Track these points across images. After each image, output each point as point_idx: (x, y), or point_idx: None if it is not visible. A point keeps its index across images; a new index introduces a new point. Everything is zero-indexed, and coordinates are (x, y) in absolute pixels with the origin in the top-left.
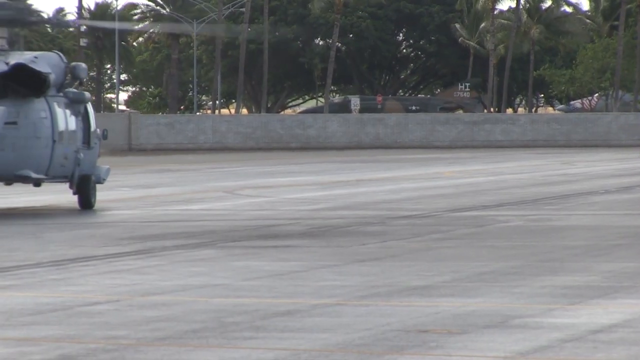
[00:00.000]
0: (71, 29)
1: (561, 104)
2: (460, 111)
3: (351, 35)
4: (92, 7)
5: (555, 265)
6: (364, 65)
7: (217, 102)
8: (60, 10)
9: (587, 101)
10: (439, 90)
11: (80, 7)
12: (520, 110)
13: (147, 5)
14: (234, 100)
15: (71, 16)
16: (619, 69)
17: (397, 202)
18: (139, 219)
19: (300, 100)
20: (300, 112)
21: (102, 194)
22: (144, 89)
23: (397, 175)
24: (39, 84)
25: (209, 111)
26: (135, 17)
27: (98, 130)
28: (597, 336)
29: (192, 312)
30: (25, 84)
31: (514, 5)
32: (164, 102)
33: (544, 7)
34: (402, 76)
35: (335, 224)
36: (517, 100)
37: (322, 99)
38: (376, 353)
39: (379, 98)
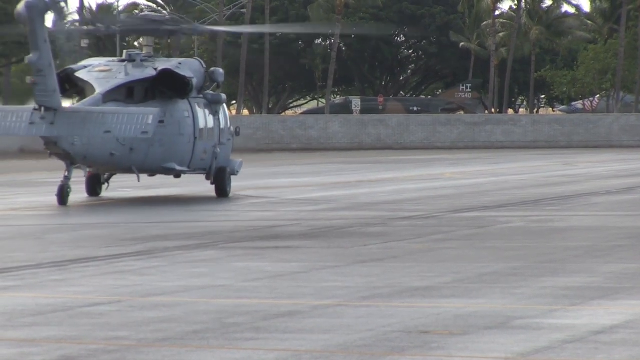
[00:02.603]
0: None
1: (562, 105)
2: (462, 112)
3: (352, 36)
4: (94, 7)
5: (556, 266)
6: (365, 66)
7: None
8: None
9: (589, 102)
10: (440, 91)
11: (81, 7)
12: (522, 111)
13: (149, 6)
14: (234, 101)
15: (70, 17)
16: (620, 70)
17: (398, 203)
18: (140, 220)
19: (302, 101)
20: (301, 113)
21: (104, 194)
22: None
23: (398, 176)
24: (183, 87)
25: None
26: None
27: (231, 127)
28: (598, 337)
29: (193, 313)
30: (171, 87)
31: (514, 6)
32: None
33: (544, 8)
34: (403, 77)
35: (337, 225)
36: (519, 101)
37: (323, 100)
38: (377, 354)
39: (380, 99)
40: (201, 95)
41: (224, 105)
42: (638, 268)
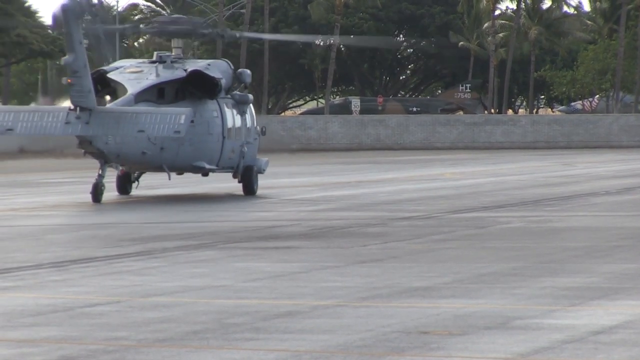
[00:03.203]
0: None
1: (561, 105)
2: (461, 112)
3: (352, 36)
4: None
5: (555, 266)
6: (365, 66)
7: None
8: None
9: (588, 102)
10: (439, 91)
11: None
12: (521, 111)
13: (148, 7)
14: None
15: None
16: (619, 70)
17: (397, 204)
18: (139, 220)
19: (301, 102)
20: (301, 114)
21: (104, 194)
22: None
23: (397, 176)
24: (212, 88)
25: None
26: (136, 17)
27: (257, 127)
28: (597, 337)
29: (193, 313)
30: (201, 87)
31: (513, 6)
32: None
33: (543, 8)
34: (403, 77)
35: (336, 225)
36: (518, 101)
37: (322, 100)
38: (377, 354)
39: (380, 99)
40: (229, 96)
41: (251, 105)
42: (638, 268)
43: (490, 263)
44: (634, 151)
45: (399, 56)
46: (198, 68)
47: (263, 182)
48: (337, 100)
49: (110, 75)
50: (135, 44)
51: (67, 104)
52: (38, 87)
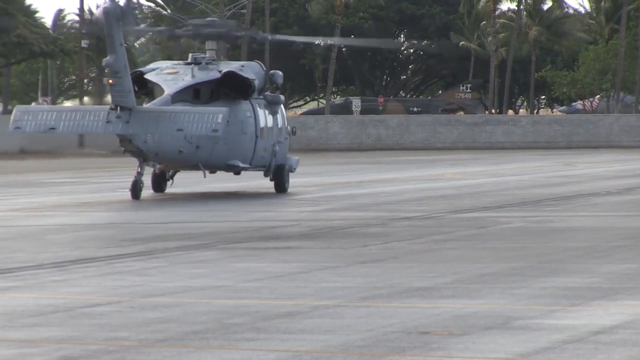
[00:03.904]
0: (72, 30)
1: (562, 105)
2: (462, 112)
3: (352, 36)
4: (94, 8)
5: (556, 266)
6: (365, 66)
7: None
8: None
9: (589, 102)
10: (440, 91)
11: (81, 9)
12: (522, 111)
13: (149, 6)
14: None
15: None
16: (620, 71)
17: (398, 204)
18: (140, 220)
19: (302, 102)
20: (301, 114)
21: (103, 195)
22: None
23: (398, 176)
24: (246, 89)
25: None
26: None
27: (288, 127)
28: (598, 337)
29: (193, 314)
30: (235, 88)
31: (514, 6)
32: None
33: (544, 9)
34: (403, 77)
35: (337, 226)
36: (519, 101)
37: (323, 100)
38: (377, 354)
39: (381, 99)
40: (261, 96)
41: (282, 105)
42: (638, 268)
43: (490, 263)
44: (634, 151)
45: (399, 56)
46: (232, 69)
47: (263, 183)
48: (338, 100)
49: (148, 76)
50: (136, 44)
51: (67, 103)
52: (38, 87)
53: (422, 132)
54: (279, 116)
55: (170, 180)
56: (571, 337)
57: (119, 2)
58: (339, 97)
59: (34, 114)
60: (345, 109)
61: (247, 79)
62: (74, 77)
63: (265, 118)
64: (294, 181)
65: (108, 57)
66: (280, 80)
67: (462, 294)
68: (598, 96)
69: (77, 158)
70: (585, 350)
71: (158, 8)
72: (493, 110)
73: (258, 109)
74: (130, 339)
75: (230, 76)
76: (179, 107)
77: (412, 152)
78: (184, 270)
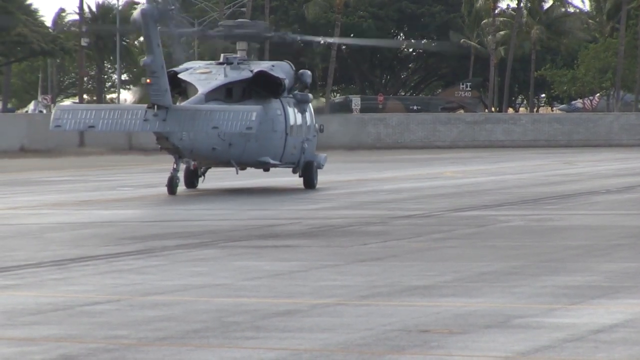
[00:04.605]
0: (73, 28)
1: (562, 104)
2: (462, 111)
3: (352, 35)
4: (93, 7)
5: (556, 265)
6: (365, 65)
7: None
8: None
9: (589, 101)
10: (440, 90)
11: (81, 7)
12: (522, 110)
13: None
14: None
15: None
16: (620, 69)
17: (398, 202)
18: (140, 218)
19: None
20: None
21: (103, 194)
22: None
23: (398, 175)
24: (277, 88)
25: None
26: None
27: (316, 124)
28: (598, 336)
29: (193, 312)
30: (266, 87)
31: (514, 4)
32: None
33: (544, 7)
34: (403, 76)
35: (336, 224)
36: (519, 100)
37: (323, 99)
38: (377, 353)
39: (380, 98)
40: (291, 95)
41: (310, 104)
42: (638, 267)
43: (490, 262)
44: (634, 150)
45: (399, 55)
46: (263, 69)
47: (262, 181)
48: (338, 98)
49: (181, 76)
50: (136, 42)
51: (67, 101)
52: (38, 85)
53: (422, 131)
54: (307, 114)
55: (202, 177)
56: (571, 336)
57: (156, 4)
58: (338, 95)
59: (74, 113)
60: (345, 108)
61: (277, 78)
62: (73, 75)
63: (294, 116)
64: (293, 180)
65: (146, 58)
66: (309, 80)
67: (462, 293)
68: (598, 95)
69: (77, 156)
70: (586, 349)
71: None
72: (493, 109)
73: (288, 107)
74: (130, 337)
75: (262, 75)
76: (214, 106)
77: (411, 150)
78: (183, 268)
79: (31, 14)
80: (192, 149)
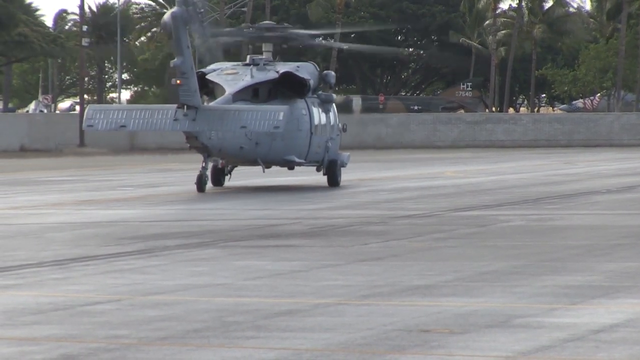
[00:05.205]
0: (75, 28)
1: (563, 104)
2: (462, 111)
3: (353, 35)
4: (94, 7)
5: (556, 264)
6: (366, 65)
7: None
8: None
9: (589, 101)
10: (440, 90)
11: (82, 7)
12: (522, 110)
13: (149, 5)
14: None
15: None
16: (621, 69)
17: (398, 202)
18: (140, 218)
19: None
20: None
21: (103, 193)
22: (146, 88)
23: (398, 174)
24: (302, 88)
25: None
26: (137, 15)
27: (339, 124)
28: (598, 336)
29: (193, 312)
30: (291, 88)
31: (515, 4)
32: (166, 101)
33: (546, 7)
34: (404, 76)
35: (337, 224)
36: (519, 100)
37: None
38: (378, 353)
39: (381, 98)
40: (315, 95)
41: (334, 104)
42: (638, 267)
43: (491, 261)
44: (635, 150)
45: (399, 55)
46: (289, 70)
47: (263, 180)
48: (338, 98)
49: (209, 77)
50: (137, 42)
51: (67, 101)
52: (39, 85)
53: (423, 131)
54: (331, 114)
55: (229, 175)
56: (572, 336)
57: (186, 7)
58: (339, 95)
59: (106, 113)
60: (346, 108)
61: (303, 79)
62: (74, 75)
63: (319, 116)
64: (294, 180)
65: (176, 59)
66: (333, 80)
67: (463, 292)
68: (599, 94)
69: (77, 156)
70: (586, 349)
71: (158, 7)
72: (493, 109)
73: (312, 107)
74: (131, 337)
75: (288, 76)
76: (242, 106)
77: (412, 150)
78: (184, 268)
79: (32, 13)
80: (221, 148)
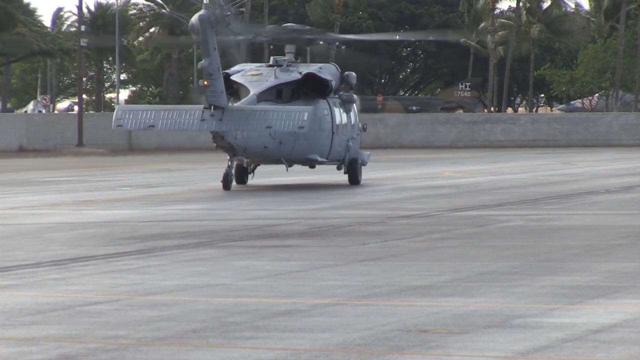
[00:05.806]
0: (73, 29)
1: (561, 104)
2: (461, 111)
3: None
4: (92, 7)
5: (555, 265)
6: (364, 65)
7: None
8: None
9: (588, 101)
10: (439, 90)
11: (80, 7)
12: (521, 110)
13: (147, 5)
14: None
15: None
16: (619, 69)
17: (397, 202)
18: (139, 218)
19: None
20: None
21: (102, 193)
22: (145, 88)
23: (397, 175)
24: (324, 89)
25: None
26: (135, 16)
27: (360, 124)
28: (597, 336)
29: (192, 312)
30: (314, 88)
31: (514, 4)
32: (164, 101)
33: (544, 7)
34: (402, 76)
35: (336, 224)
36: (518, 100)
37: None
38: (377, 353)
39: (379, 98)
40: (337, 96)
41: (354, 104)
42: (637, 267)
43: (489, 262)
44: (633, 150)
45: (398, 55)
46: (312, 71)
47: (260, 181)
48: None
49: (234, 78)
50: (135, 43)
51: (66, 101)
52: (37, 85)
53: (421, 131)
54: (352, 114)
55: (252, 174)
56: (570, 336)
57: (213, 9)
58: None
59: (135, 113)
60: None
61: (325, 80)
62: (73, 76)
63: (340, 116)
64: (293, 179)
65: (203, 61)
66: (354, 81)
67: (461, 293)
68: (597, 94)
69: (76, 156)
70: (585, 349)
71: (156, 7)
72: (492, 109)
73: (334, 107)
74: (129, 337)
75: (310, 77)
76: (267, 106)
77: (411, 150)
78: (183, 268)
79: (30, 13)
80: (246, 147)
